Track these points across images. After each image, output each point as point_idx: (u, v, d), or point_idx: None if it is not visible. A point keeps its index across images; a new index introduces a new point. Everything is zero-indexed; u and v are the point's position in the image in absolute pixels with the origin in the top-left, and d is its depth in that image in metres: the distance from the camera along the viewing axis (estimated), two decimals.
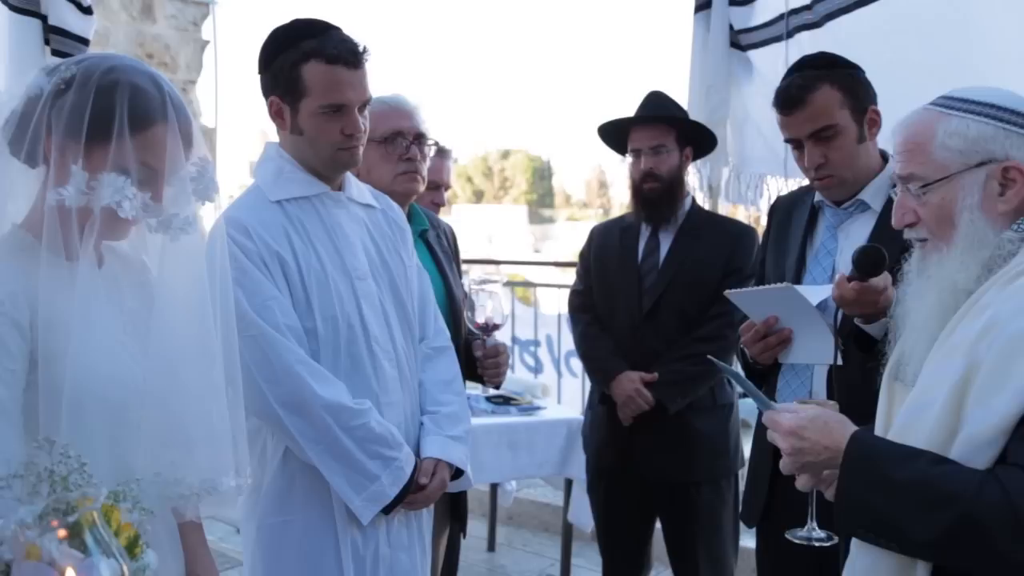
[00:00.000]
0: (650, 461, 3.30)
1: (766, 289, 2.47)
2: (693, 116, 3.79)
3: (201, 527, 1.83)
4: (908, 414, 1.59)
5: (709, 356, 2.13)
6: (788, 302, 2.36)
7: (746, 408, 3.62)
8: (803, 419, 1.67)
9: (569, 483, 4.43)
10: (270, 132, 2.47)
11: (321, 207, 2.37)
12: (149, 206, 1.57)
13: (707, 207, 3.93)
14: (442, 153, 3.46)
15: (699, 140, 3.45)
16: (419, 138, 2.83)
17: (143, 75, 1.59)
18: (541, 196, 67.99)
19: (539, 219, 61.32)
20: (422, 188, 2.90)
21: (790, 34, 3.75)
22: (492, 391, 3.92)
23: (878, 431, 1.72)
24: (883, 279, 2.17)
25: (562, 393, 6.33)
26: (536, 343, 6.97)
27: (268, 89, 2.36)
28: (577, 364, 5.69)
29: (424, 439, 2.41)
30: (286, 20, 2.38)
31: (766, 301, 2.44)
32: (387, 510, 2.28)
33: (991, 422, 1.45)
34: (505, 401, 4.43)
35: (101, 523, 1.21)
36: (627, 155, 3.42)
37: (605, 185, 66.31)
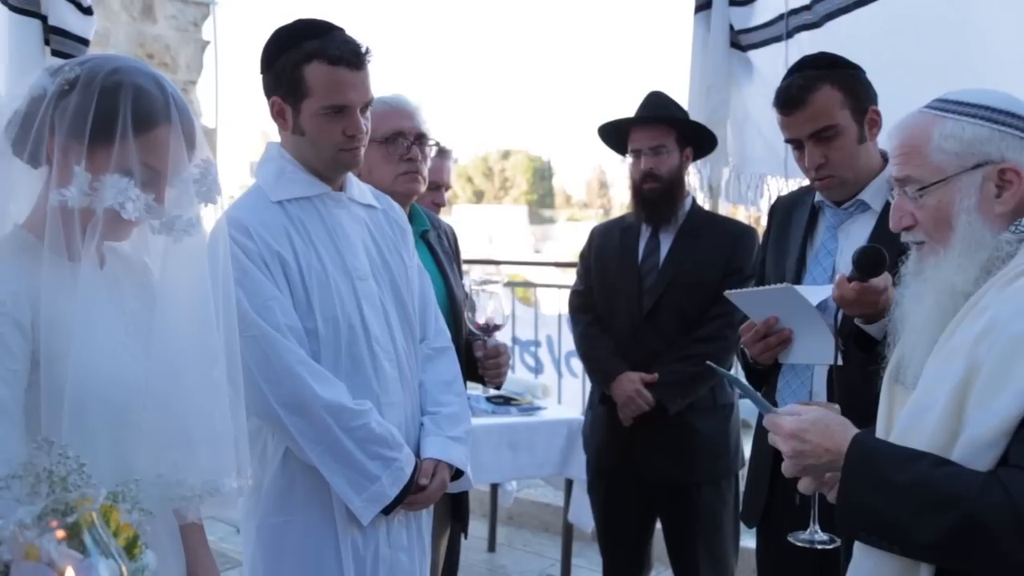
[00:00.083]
0: (650, 461, 3.30)
1: (766, 289, 2.47)
2: (693, 116, 3.79)
3: (202, 528, 1.83)
4: (909, 417, 1.59)
5: (708, 362, 2.14)
6: (788, 302, 2.36)
7: (746, 408, 3.62)
8: (804, 422, 1.67)
9: (569, 483, 4.43)
10: (271, 132, 2.47)
11: (322, 207, 2.37)
12: (152, 207, 1.57)
13: (707, 207, 3.93)
14: (442, 153, 3.46)
15: (699, 140, 3.45)
16: (420, 138, 2.84)
17: (147, 76, 1.59)
18: (541, 196, 67.97)
19: (539, 219, 61.30)
20: (423, 188, 2.90)
21: (790, 34, 3.75)
22: (493, 391, 3.92)
23: (879, 434, 1.73)
24: (883, 279, 2.17)
25: (562, 393, 6.33)
26: (536, 343, 6.96)
27: (270, 89, 2.37)
28: (577, 364, 5.69)
29: (424, 440, 2.41)
30: (287, 20, 2.38)
31: (766, 301, 2.44)
32: (387, 511, 2.29)
33: (992, 424, 1.45)
34: (505, 401, 4.44)
35: (100, 524, 1.21)
36: (627, 155, 3.42)
37: (605, 185, 66.31)
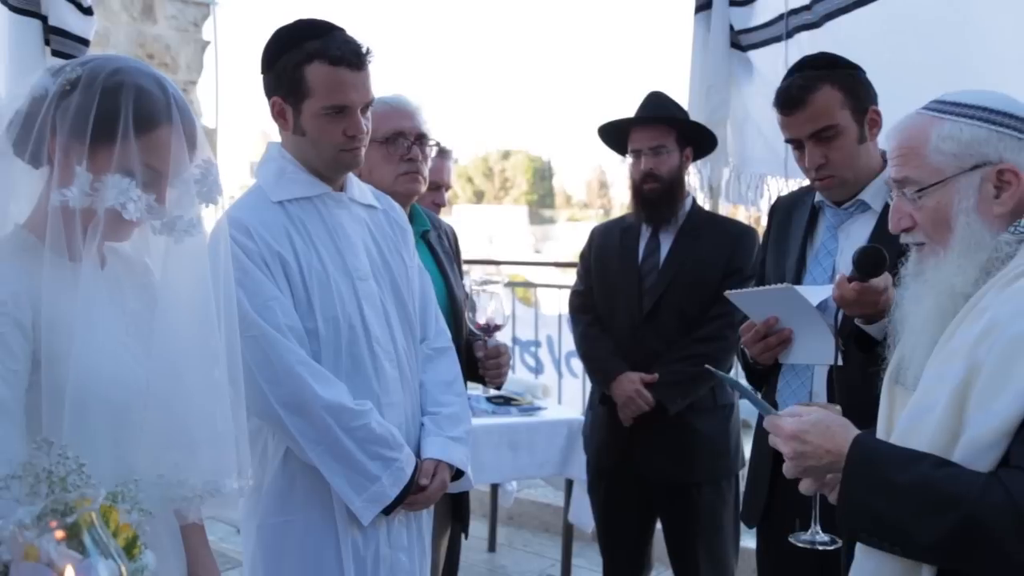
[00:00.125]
0: (651, 461, 3.30)
1: (766, 289, 2.47)
2: (693, 116, 3.79)
3: (203, 528, 1.83)
4: (910, 418, 1.59)
5: (707, 366, 2.14)
6: (788, 302, 2.36)
7: (746, 409, 3.62)
8: (805, 423, 1.67)
9: (570, 483, 4.43)
10: (271, 132, 2.47)
11: (323, 207, 2.37)
12: (153, 208, 1.57)
13: (708, 207, 3.93)
14: (443, 153, 3.46)
15: (699, 140, 3.45)
16: (421, 139, 2.84)
17: (148, 77, 1.60)
18: (541, 196, 67.96)
19: (539, 219, 61.29)
20: (424, 189, 2.90)
21: (789, 34, 3.75)
22: (493, 391, 3.92)
23: (880, 435, 1.73)
24: (884, 279, 2.17)
25: (563, 393, 6.33)
26: (537, 343, 6.97)
27: (271, 90, 2.37)
28: (578, 364, 5.70)
29: (425, 440, 2.41)
30: (287, 21, 2.38)
31: (766, 301, 2.44)
32: (388, 511, 2.29)
33: (993, 425, 1.45)
34: (506, 401, 4.44)
35: (99, 524, 1.21)
36: (627, 156, 3.42)
37: (606, 185, 66.30)
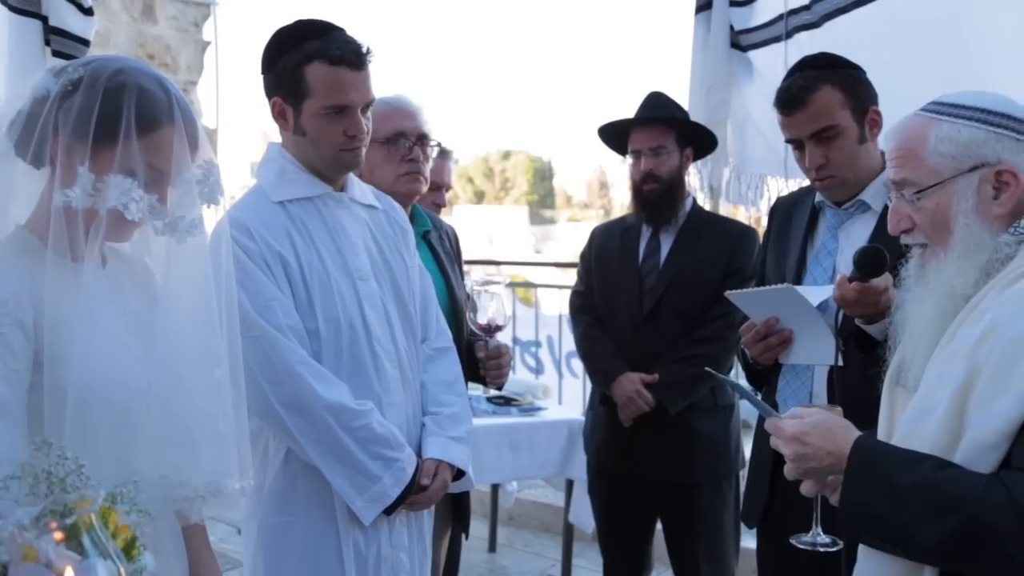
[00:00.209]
0: (651, 462, 3.30)
1: (767, 290, 2.47)
2: (694, 116, 3.79)
3: (204, 529, 1.83)
4: (911, 420, 1.59)
5: (707, 369, 2.14)
6: (789, 303, 2.36)
7: (747, 409, 3.62)
8: (806, 425, 1.67)
9: (570, 484, 4.43)
10: (271, 133, 2.47)
11: (323, 208, 2.37)
12: (155, 208, 1.57)
13: (708, 208, 3.93)
14: (443, 154, 3.45)
15: (699, 140, 3.45)
16: (422, 139, 2.84)
17: (150, 78, 1.60)
18: (542, 197, 67.97)
19: (540, 220, 61.31)
20: (424, 189, 2.90)
21: (789, 34, 3.75)
22: (493, 392, 3.92)
23: (881, 436, 1.73)
24: (884, 280, 2.17)
25: (563, 394, 6.33)
26: (537, 344, 6.97)
27: (271, 90, 2.37)
28: (578, 365, 5.70)
29: (426, 440, 2.41)
30: (287, 21, 2.38)
31: (767, 302, 2.44)
32: (389, 511, 2.29)
33: (994, 426, 1.45)
34: (506, 402, 4.44)
35: (99, 525, 1.21)
36: (627, 156, 3.42)
37: (606, 186, 66.30)
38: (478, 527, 5.09)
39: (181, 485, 1.58)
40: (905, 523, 1.51)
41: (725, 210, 4.17)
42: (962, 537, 1.44)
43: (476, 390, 4.09)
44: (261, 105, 2.40)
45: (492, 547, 5.38)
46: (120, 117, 1.54)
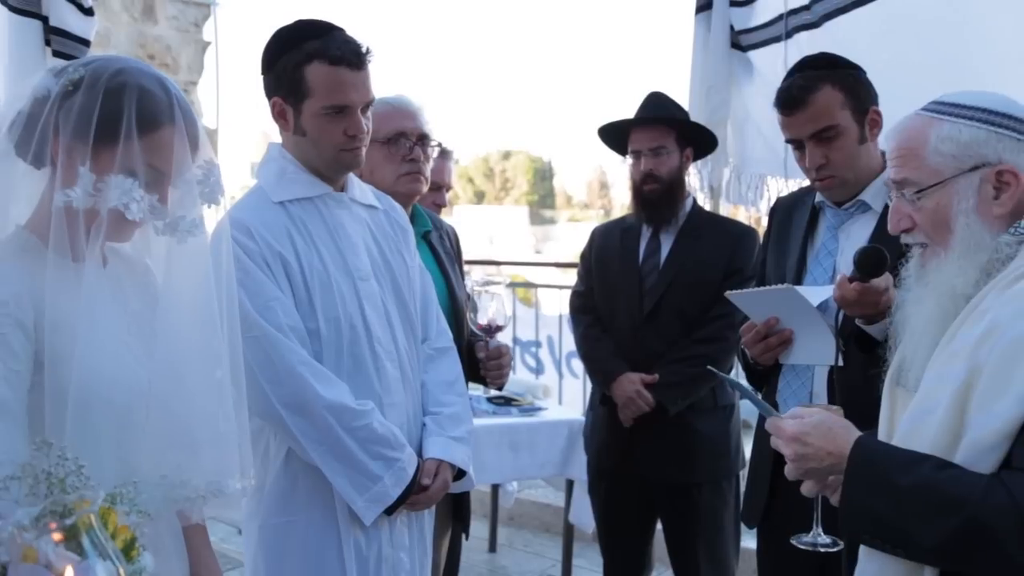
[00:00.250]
0: (651, 462, 3.30)
1: (767, 290, 2.47)
2: (694, 116, 3.79)
3: (205, 529, 1.83)
4: (911, 420, 1.59)
5: (710, 368, 2.14)
6: (789, 303, 2.36)
7: (747, 409, 3.62)
8: (806, 425, 1.67)
9: (570, 484, 4.43)
10: (272, 133, 2.47)
11: (324, 208, 2.37)
12: (156, 208, 1.57)
13: (708, 208, 3.93)
14: (443, 154, 3.46)
15: (699, 140, 3.45)
16: (422, 139, 2.84)
17: (150, 78, 1.60)
18: (542, 197, 67.99)
19: (540, 220, 61.33)
20: (425, 189, 2.90)
21: (789, 34, 3.75)
22: (494, 392, 3.92)
23: (881, 436, 1.73)
24: (885, 280, 2.17)
25: (563, 394, 6.33)
26: (537, 344, 6.97)
27: (271, 90, 2.37)
28: (578, 365, 5.70)
29: (426, 440, 2.41)
30: (288, 21, 2.38)
31: (767, 302, 2.44)
32: (390, 511, 2.29)
33: (994, 427, 1.45)
34: (506, 402, 4.44)
35: (98, 526, 1.21)
36: (627, 156, 3.41)
37: (606, 186, 66.32)
38: (478, 527, 5.09)
39: (182, 485, 1.58)
40: (905, 523, 1.51)
41: (725, 210, 4.16)
42: (962, 537, 1.44)
43: (476, 390, 4.09)
44: (261, 105, 2.41)
45: (492, 547, 5.38)
46: (121, 117, 1.53)
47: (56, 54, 3.44)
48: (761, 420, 2.04)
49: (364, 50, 2.32)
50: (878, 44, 3.19)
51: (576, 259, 3.84)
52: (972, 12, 3.09)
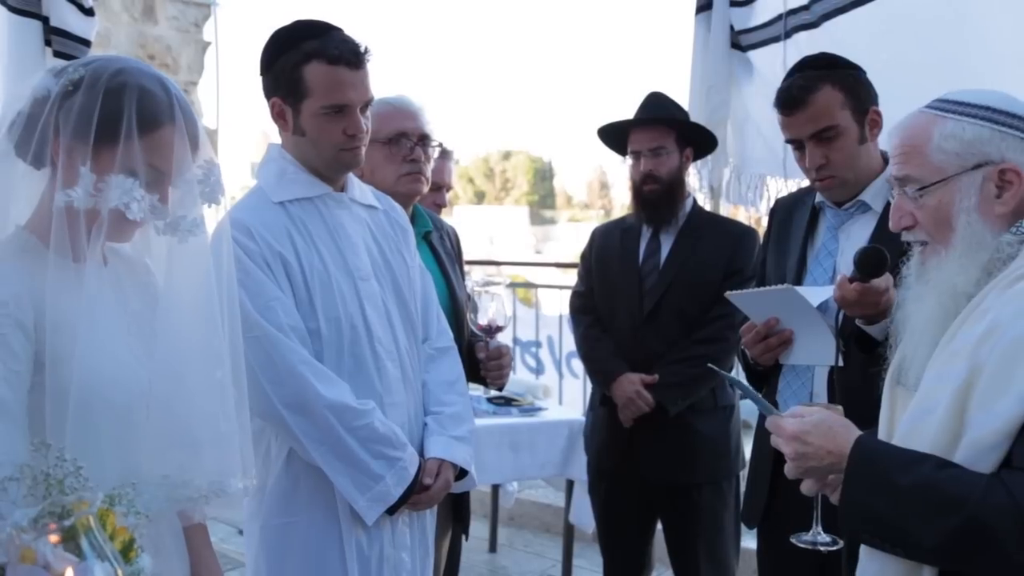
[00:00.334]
0: (651, 462, 3.30)
1: (767, 290, 2.47)
2: (694, 117, 3.79)
3: (206, 529, 1.84)
4: (911, 419, 1.59)
5: (710, 365, 2.13)
6: (789, 303, 2.36)
7: (747, 409, 3.62)
8: (807, 424, 1.67)
9: (570, 484, 4.43)
10: (272, 133, 2.47)
11: (324, 208, 2.37)
12: (156, 208, 1.57)
13: (708, 208, 3.93)
14: (444, 154, 3.46)
15: (699, 141, 3.45)
16: (423, 139, 2.84)
17: (151, 77, 1.60)
18: (542, 197, 68.03)
19: (540, 220, 61.38)
20: (426, 189, 2.90)
21: (788, 34, 3.75)
22: (494, 392, 3.92)
23: (881, 435, 1.72)
24: (885, 280, 2.17)
25: (563, 394, 6.33)
26: (537, 344, 6.97)
27: (270, 91, 2.37)
28: (578, 365, 5.70)
29: (428, 439, 2.41)
30: (287, 21, 2.38)
31: (767, 302, 2.44)
32: (391, 510, 2.28)
33: (994, 426, 1.45)
34: (506, 402, 4.43)
35: (97, 527, 1.21)
36: (627, 157, 3.41)
37: (606, 186, 66.36)
38: (478, 527, 5.09)
39: (184, 485, 1.58)
40: (905, 523, 1.51)
41: (725, 210, 4.16)
42: (962, 537, 1.44)
43: (477, 391, 4.09)
44: (261, 105, 2.41)
45: (492, 547, 5.38)
46: (121, 117, 1.53)
47: (57, 54, 3.44)
48: (761, 420, 2.04)
49: (362, 49, 2.32)
50: (877, 44, 3.19)
51: (576, 259, 3.84)
52: (971, 12, 3.09)
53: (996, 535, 1.42)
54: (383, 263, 2.43)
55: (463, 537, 3.14)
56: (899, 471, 1.52)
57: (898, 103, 2.11)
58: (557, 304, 6.53)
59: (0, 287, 1.51)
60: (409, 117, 2.82)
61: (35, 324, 1.52)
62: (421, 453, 2.38)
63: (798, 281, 2.53)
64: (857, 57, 2.59)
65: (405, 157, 2.79)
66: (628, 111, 3.42)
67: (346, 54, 2.27)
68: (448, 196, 3.59)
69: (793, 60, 2.73)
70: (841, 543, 1.95)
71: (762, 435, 2.59)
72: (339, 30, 2.33)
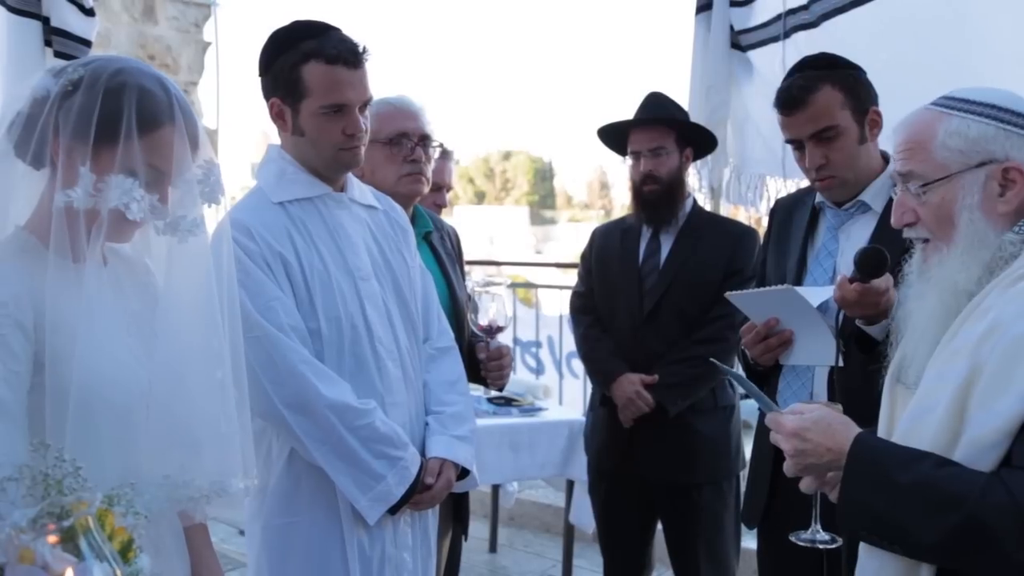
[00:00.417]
0: (651, 462, 3.30)
1: (767, 291, 2.47)
2: (694, 117, 3.79)
3: (206, 529, 1.84)
4: (911, 418, 1.59)
5: (711, 359, 2.13)
6: (789, 303, 2.36)
7: (747, 409, 3.62)
8: (806, 420, 1.67)
9: (570, 484, 4.43)
10: (272, 134, 2.47)
11: (323, 208, 2.37)
12: (156, 208, 1.57)
13: (709, 208, 3.93)
14: (444, 154, 3.45)
15: (699, 141, 3.45)
16: (424, 139, 2.84)
17: (150, 77, 1.60)
18: (542, 197, 68.05)
19: (540, 220, 61.40)
20: (426, 190, 2.90)
21: (787, 34, 3.75)
22: (494, 392, 3.92)
23: (881, 434, 1.72)
24: (885, 280, 2.17)
25: (563, 394, 6.33)
26: (538, 344, 6.97)
27: (269, 91, 2.37)
28: (579, 365, 5.70)
29: (429, 439, 2.41)
30: (287, 22, 2.38)
31: (767, 303, 2.43)
32: (393, 510, 2.28)
33: (995, 425, 1.45)
34: (507, 402, 4.44)
35: (95, 527, 1.21)
36: (627, 157, 3.41)
37: (606, 186, 66.39)
38: (479, 527, 5.09)
39: (185, 485, 1.58)
40: (904, 521, 1.51)
41: (725, 210, 4.17)
42: (961, 535, 1.44)
43: (477, 391, 4.09)
44: (261, 106, 2.41)
45: (493, 547, 5.38)
46: (121, 117, 1.53)
47: (57, 55, 3.44)
48: (761, 419, 2.04)
49: (361, 49, 2.32)
50: (876, 44, 3.19)
51: (576, 259, 3.84)
52: (970, 11, 3.09)
53: (995, 534, 1.42)
54: (383, 263, 2.43)
55: (463, 537, 3.14)
56: (898, 469, 1.52)
57: (898, 103, 2.10)
58: (557, 304, 6.53)
59: (0, 287, 1.51)
60: (410, 117, 2.82)
61: (35, 324, 1.52)
62: (422, 453, 2.37)
63: (798, 281, 2.53)
64: (857, 57, 2.59)
65: (406, 157, 2.79)
66: (628, 111, 3.42)
67: (344, 53, 2.27)
68: (448, 196, 3.59)
69: (792, 60, 2.73)
70: (840, 541, 1.95)
71: (762, 435, 2.59)
72: (337, 30, 2.33)
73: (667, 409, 3.24)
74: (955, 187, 1.65)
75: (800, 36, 3.66)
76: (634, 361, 3.31)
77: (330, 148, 2.33)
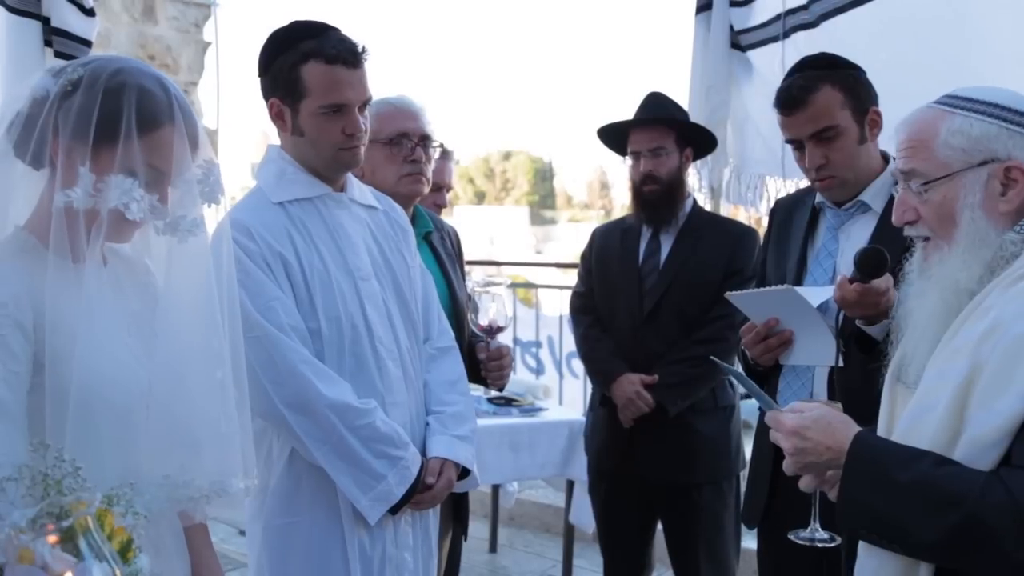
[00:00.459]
0: (651, 463, 3.30)
1: (767, 291, 2.47)
2: (694, 117, 3.79)
3: (207, 529, 1.84)
4: (911, 417, 1.59)
5: (712, 357, 2.13)
6: (789, 304, 2.36)
7: (747, 409, 3.62)
8: (806, 419, 1.67)
9: (571, 484, 4.43)
10: (272, 134, 2.47)
11: (323, 208, 2.37)
12: (156, 208, 1.57)
13: (709, 208, 3.93)
14: (444, 154, 3.45)
15: (699, 141, 3.45)
16: (424, 140, 2.83)
17: (150, 77, 1.60)
18: (543, 197, 68.05)
19: (541, 220, 61.41)
20: (426, 190, 2.90)
21: (786, 34, 3.75)
22: (494, 392, 3.92)
23: (881, 432, 1.72)
24: (885, 280, 2.17)
25: (564, 394, 6.33)
26: (538, 344, 6.97)
27: (268, 91, 2.37)
28: (579, 365, 5.70)
29: (430, 439, 2.41)
30: (287, 22, 2.38)
31: (767, 303, 2.43)
32: (394, 510, 2.28)
33: (995, 424, 1.45)
34: (507, 402, 4.44)
35: (95, 527, 1.21)
36: (627, 157, 3.41)
37: (607, 186, 66.39)
38: (479, 527, 5.09)
39: (186, 485, 1.58)
40: (903, 519, 1.51)
41: (725, 210, 4.16)
42: (960, 534, 1.44)
43: (477, 391, 4.09)
44: (261, 106, 2.41)
45: (493, 547, 5.38)
46: (120, 117, 1.53)
47: (58, 55, 3.44)
48: (761, 419, 2.04)
49: (360, 49, 2.32)
50: (876, 44, 3.19)
51: (576, 259, 3.84)
52: (970, 11, 3.09)
53: (995, 533, 1.42)
54: (383, 263, 2.43)
55: (463, 537, 3.14)
56: (898, 468, 1.52)
57: (898, 103, 2.10)
58: (557, 304, 6.53)
59: (0, 287, 1.51)
60: (410, 117, 2.82)
61: (34, 325, 1.52)
62: (423, 453, 2.37)
63: (798, 281, 2.53)
64: (856, 57, 2.59)
65: (406, 158, 2.79)
66: (628, 111, 3.42)
67: (343, 53, 2.27)
68: (448, 196, 3.59)
69: (791, 60, 2.73)
70: (839, 540, 1.95)
71: (762, 435, 2.59)
72: (336, 30, 2.33)
73: (667, 409, 3.24)
74: (957, 185, 1.65)
75: (800, 36, 3.66)
76: (634, 361, 3.31)
77: (330, 148, 2.33)
